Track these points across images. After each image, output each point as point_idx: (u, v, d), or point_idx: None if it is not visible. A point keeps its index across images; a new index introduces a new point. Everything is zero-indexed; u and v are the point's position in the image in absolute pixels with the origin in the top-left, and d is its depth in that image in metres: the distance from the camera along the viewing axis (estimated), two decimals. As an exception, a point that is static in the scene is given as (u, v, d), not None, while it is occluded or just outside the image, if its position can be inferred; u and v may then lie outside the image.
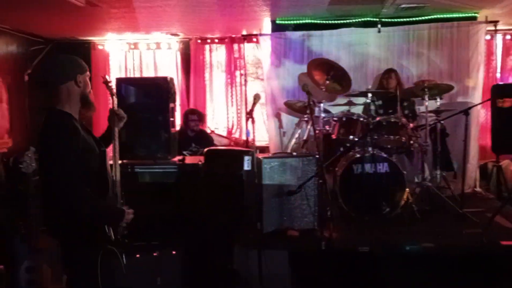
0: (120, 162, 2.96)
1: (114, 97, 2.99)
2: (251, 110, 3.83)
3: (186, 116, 6.45)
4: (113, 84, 3.09)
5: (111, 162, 2.84)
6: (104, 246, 2.62)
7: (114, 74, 7.56)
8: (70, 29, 6.99)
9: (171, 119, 4.54)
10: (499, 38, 6.99)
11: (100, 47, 7.65)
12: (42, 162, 2.63)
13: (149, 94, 4.54)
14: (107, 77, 3.07)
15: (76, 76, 2.66)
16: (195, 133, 6.27)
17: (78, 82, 2.66)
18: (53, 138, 2.55)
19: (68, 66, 2.68)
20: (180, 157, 4.60)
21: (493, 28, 6.45)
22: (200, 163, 4.46)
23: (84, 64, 2.77)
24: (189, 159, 4.70)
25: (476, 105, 5.77)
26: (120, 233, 2.72)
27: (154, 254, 3.85)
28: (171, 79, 4.68)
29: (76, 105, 2.69)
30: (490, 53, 6.88)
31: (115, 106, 2.97)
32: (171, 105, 4.57)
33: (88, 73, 2.76)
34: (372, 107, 5.22)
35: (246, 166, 4.06)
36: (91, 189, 2.58)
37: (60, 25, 6.64)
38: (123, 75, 7.50)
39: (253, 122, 3.76)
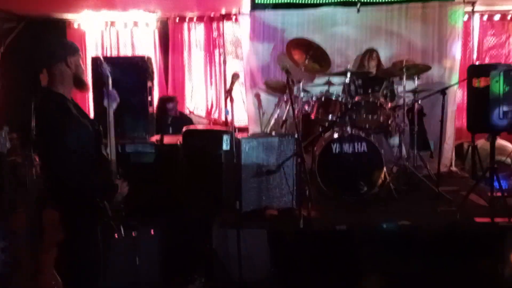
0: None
1: (108, 78, 3.06)
2: (230, 89, 3.80)
3: (162, 103, 6.34)
4: (105, 65, 3.12)
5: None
6: (102, 220, 2.79)
7: (91, 53, 7.40)
8: (44, 6, 6.78)
9: (149, 98, 4.49)
10: (476, 19, 7.04)
11: (75, 25, 7.46)
12: (38, 141, 2.76)
13: (126, 73, 4.45)
14: (101, 57, 3.17)
15: (66, 57, 2.79)
16: (172, 118, 6.19)
17: (69, 63, 2.79)
18: (46, 118, 2.69)
19: (58, 48, 2.82)
20: (157, 137, 4.55)
21: (470, 8, 6.47)
22: (179, 143, 4.43)
23: (75, 46, 2.90)
24: (168, 139, 4.65)
25: (453, 85, 5.84)
26: (117, 207, 2.86)
27: (133, 233, 3.83)
28: (149, 58, 4.63)
29: (69, 86, 2.84)
30: (467, 34, 6.92)
31: (110, 87, 3.06)
32: (149, 84, 4.52)
33: (79, 54, 2.88)
34: (352, 87, 5.23)
35: (225, 146, 4.06)
36: (90, 166, 2.76)
37: (34, 1, 6.44)
38: (100, 54, 7.36)
39: (231, 101, 3.73)
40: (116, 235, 2.94)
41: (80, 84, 2.88)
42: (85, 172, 2.72)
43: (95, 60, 4.39)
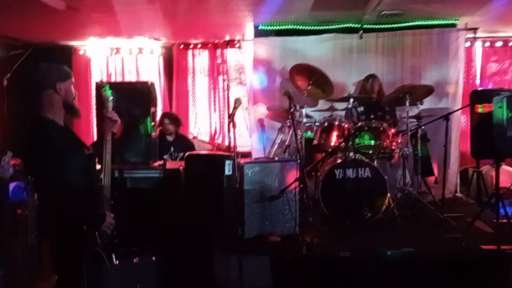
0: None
1: (108, 102, 3.04)
2: (232, 114, 3.82)
3: (160, 119, 6.31)
4: (106, 89, 3.13)
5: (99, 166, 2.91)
6: (89, 248, 2.71)
7: (96, 79, 7.49)
8: (50, 34, 6.90)
9: (152, 123, 4.50)
10: (478, 45, 7.09)
11: (81, 51, 7.57)
12: (28, 167, 2.80)
13: (130, 99, 4.49)
14: (101, 81, 3.15)
15: (55, 84, 2.73)
16: (174, 138, 6.18)
17: (58, 90, 2.73)
18: (36, 145, 2.65)
19: (47, 74, 2.76)
20: (160, 162, 4.55)
21: (472, 35, 6.52)
22: (181, 168, 4.42)
23: (67, 72, 2.84)
24: (170, 164, 4.65)
25: (456, 110, 5.83)
26: (107, 237, 2.80)
27: (134, 260, 3.78)
28: (152, 83, 4.65)
29: (59, 112, 2.78)
30: (469, 60, 6.96)
31: (109, 109, 3.03)
32: (152, 109, 4.54)
33: (71, 80, 2.83)
34: (354, 113, 5.24)
35: (227, 170, 4.04)
36: (78, 193, 2.70)
37: (40, 29, 6.56)
38: (104, 80, 7.43)
39: (234, 126, 3.74)
40: (107, 264, 2.85)
41: (70, 110, 2.82)
42: (71, 201, 2.66)
43: (98, 85, 4.43)
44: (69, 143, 2.77)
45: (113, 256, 2.87)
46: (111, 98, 3.07)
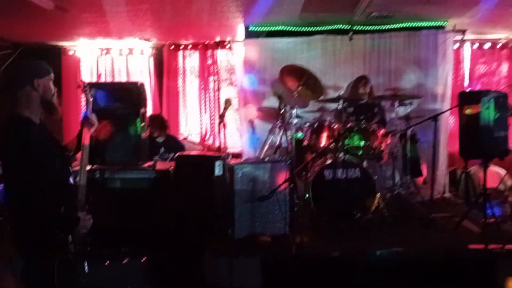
0: (89, 167, 2.93)
1: (90, 102, 2.98)
2: (223, 115, 3.83)
3: (148, 121, 6.24)
4: (88, 89, 3.06)
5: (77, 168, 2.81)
6: (60, 254, 2.59)
7: (86, 79, 7.45)
8: (39, 34, 6.87)
9: (142, 124, 4.49)
10: (467, 47, 7.16)
11: (71, 52, 7.53)
12: (2, 168, 2.62)
13: (119, 99, 4.48)
14: (84, 81, 3.09)
15: (33, 80, 2.64)
16: (164, 139, 6.17)
17: (36, 87, 2.65)
18: (9, 144, 2.56)
19: (25, 71, 2.68)
20: (150, 163, 4.54)
21: (461, 37, 6.58)
22: (171, 168, 4.42)
23: (46, 68, 2.75)
24: (160, 165, 4.65)
25: (444, 111, 5.89)
26: (80, 241, 2.68)
27: (123, 261, 3.78)
28: (142, 84, 4.64)
29: (36, 110, 2.68)
30: (458, 61, 7.03)
31: (89, 111, 2.97)
32: (142, 110, 4.53)
33: (50, 76, 2.73)
34: (344, 114, 5.26)
35: (218, 171, 4.05)
36: (50, 195, 2.58)
37: (29, 29, 6.52)
38: (94, 81, 7.40)
39: (224, 126, 3.75)
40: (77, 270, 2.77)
41: (49, 107, 2.73)
42: (43, 203, 2.56)
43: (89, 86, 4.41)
44: (44, 142, 2.67)
45: (85, 264, 2.76)
46: (91, 99, 3.03)
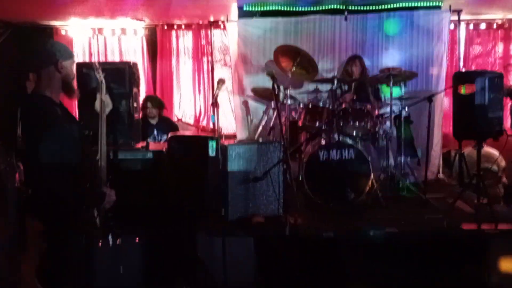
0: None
1: (102, 84, 3.08)
2: (216, 95, 3.79)
3: (143, 102, 6.19)
4: (100, 71, 3.17)
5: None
6: (88, 230, 2.74)
7: (78, 60, 7.31)
8: (31, 13, 6.76)
9: (134, 105, 4.44)
10: (462, 27, 7.10)
11: (63, 32, 7.44)
12: (26, 144, 2.70)
13: (111, 79, 4.41)
14: (95, 62, 3.14)
15: (57, 62, 2.73)
16: (158, 121, 6.13)
17: (59, 68, 2.74)
18: (34, 122, 2.64)
19: (49, 51, 2.76)
20: (143, 144, 4.51)
21: (456, 17, 6.53)
22: (164, 149, 4.39)
23: (69, 51, 2.85)
24: (153, 146, 4.61)
25: (439, 92, 5.87)
26: (104, 216, 2.83)
27: (117, 241, 3.77)
28: (135, 63, 4.58)
29: (57, 90, 2.78)
30: (453, 42, 6.98)
31: (103, 93, 3.07)
32: (134, 90, 4.47)
33: (72, 60, 2.84)
34: (338, 94, 5.23)
35: (211, 152, 4.02)
36: (75, 172, 2.68)
37: (21, 8, 6.40)
38: (87, 61, 7.31)
39: (217, 107, 3.71)
40: (101, 244, 2.90)
41: (68, 89, 2.83)
42: (70, 179, 2.65)
43: (81, 66, 4.34)
44: (66, 121, 2.76)
45: (110, 237, 2.97)
46: (103, 81, 3.08)
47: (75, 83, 2.86)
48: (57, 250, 2.77)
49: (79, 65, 4.32)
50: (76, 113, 4.65)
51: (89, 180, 2.81)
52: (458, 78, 4.57)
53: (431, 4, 6.39)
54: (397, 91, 5.38)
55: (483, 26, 7.21)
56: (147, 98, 6.20)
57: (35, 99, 2.72)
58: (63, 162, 2.62)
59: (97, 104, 3.07)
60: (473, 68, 7.10)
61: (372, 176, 4.93)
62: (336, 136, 4.97)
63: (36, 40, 6.88)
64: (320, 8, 6.41)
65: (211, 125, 7.22)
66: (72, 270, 2.80)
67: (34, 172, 2.71)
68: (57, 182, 2.62)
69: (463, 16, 6.61)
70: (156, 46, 7.48)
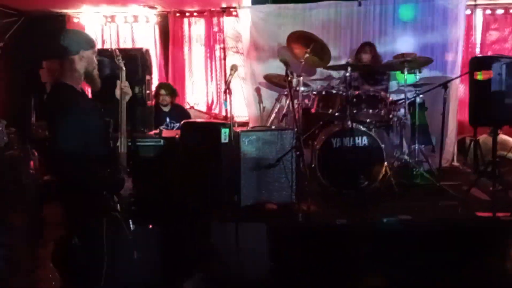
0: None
1: (123, 71, 3.12)
2: (228, 81, 3.78)
3: (156, 90, 6.20)
4: (120, 58, 3.21)
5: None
6: (108, 214, 2.77)
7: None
8: (44, 1, 6.76)
9: (147, 91, 4.45)
10: (479, 13, 6.97)
11: (75, 20, 7.43)
12: (49, 132, 2.76)
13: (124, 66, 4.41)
14: (116, 49, 3.21)
15: (79, 51, 2.77)
16: (170, 108, 6.13)
17: (81, 57, 2.77)
18: (57, 110, 2.68)
19: (72, 41, 2.79)
20: (156, 131, 4.52)
21: (473, 2, 6.41)
22: (177, 136, 4.39)
23: (91, 40, 2.90)
24: (166, 133, 4.62)
25: (455, 78, 5.79)
26: (126, 202, 2.89)
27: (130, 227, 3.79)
28: (147, 50, 4.59)
29: (79, 79, 2.82)
30: (469, 28, 6.86)
31: (123, 80, 3.11)
32: (147, 77, 4.48)
33: (94, 50, 2.87)
34: (351, 81, 5.18)
35: (223, 139, 4.01)
36: (97, 158, 2.74)
37: (33, -5, 6.43)
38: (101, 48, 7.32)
39: (230, 93, 3.70)
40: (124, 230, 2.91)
41: (90, 79, 2.88)
42: (91, 166, 2.70)
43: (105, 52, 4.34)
44: (89, 109, 2.82)
45: (130, 223, 2.94)
46: (123, 68, 3.11)
47: (96, 73, 2.89)
48: (78, 236, 2.80)
49: (104, 51, 4.35)
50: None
51: (110, 167, 2.86)
52: (475, 64, 4.51)
53: (447, -11, 6.27)
54: (411, 78, 5.32)
55: (500, 11, 7.05)
56: (160, 86, 6.20)
57: (58, 88, 2.76)
58: (85, 149, 2.65)
59: (117, 92, 3.09)
60: (490, 54, 6.98)
61: (385, 163, 4.90)
62: (349, 123, 4.93)
63: (57, 30, 6.90)
64: (333, -6, 6.34)
65: (223, 113, 7.20)
66: (93, 257, 2.82)
67: (56, 159, 2.75)
68: (79, 169, 2.66)
69: (479, 1, 6.50)
70: (168, 34, 7.44)
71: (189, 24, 7.50)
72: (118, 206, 2.82)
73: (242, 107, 7.08)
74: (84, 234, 2.80)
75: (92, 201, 2.73)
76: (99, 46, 7.37)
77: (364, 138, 4.88)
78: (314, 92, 5.43)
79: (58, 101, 2.72)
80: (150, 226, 3.86)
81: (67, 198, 2.79)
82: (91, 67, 2.84)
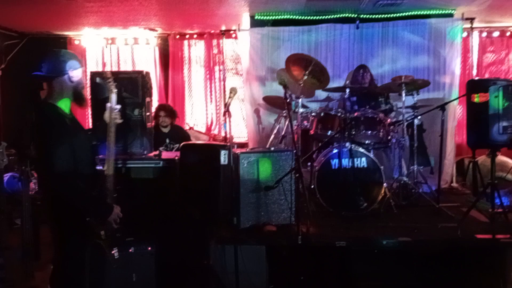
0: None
1: (113, 94, 3.09)
2: (228, 104, 3.80)
3: (156, 111, 6.23)
4: (111, 80, 3.17)
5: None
6: (93, 240, 2.75)
7: (91, 69, 7.44)
8: (45, 23, 6.86)
9: (147, 113, 4.47)
10: (475, 35, 7.07)
11: (76, 42, 7.53)
12: (38, 154, 2.75)
13: (124, 88, 4.44)
14: (109, 72, 3.21)
15: (68, 71, 2.78)
16: (170, 129, 6.16)
17: (70, 78, 2.79)
18: (45, 131, 2.68)
19: (61, 61, 2.79)
20: (156, 152, 4.53)
21: (469, 25, 6.50)
22: (176, 158, 4.40)
23: (79, 60, 2.89)
24: (166, 154, 4.63)
25: (452, 100, 5.83)
26: (110, 229, 2.83)
27: (130, 250, 3.78)
28: (147, 73, 4.60)
29: (68, 100, 2.82)
30: (466, 50, 6.95)
31: (113, 104, 3.07)
32: (147, 99, 4.50)
33: (82, 69, 2.89)
34: (348, 103, 5.22)
35: (223, 160, 4.01)
36: (81, 181, 2.71)
37: (35, 19, 6.51)
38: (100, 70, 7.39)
39: (229, 115, 3.72)
40: (107, 256, 2.87)
41: (79, 99, 2.86)
42: (76, 187, 2.69)
43: (95, 75, 4.38)
44: (76, 131, 2.82)
45: (115, 250, 2.90)
46: (115, 90, 3.08)
47: (85, 92, 2.91)
48: (63, 259, 2.82)
49: (93, 74, 4.38)
50: (89, 122, 4.68)
51: (96, 189, 2.84)
52: (472, 86, 4.54)
53: (443, 12, 6.38)
54: (409, 100, 5.36)
55: (496, 34, 7.15)
56: (159, 107, 6.23)
57: (45, 108, 2.76)
58: (70, 168, 2.65)
59: (106, 114, 3.07)
60: (487, 76, 7.05)
61: (384, 184, 4.90)
62: (348, 144, 4.95)
63: (47, 50, 6.97)
64: (332, 17, 6.43)
65: (222, 134, 7.24)
66: (81, 278, 2.81)
67: (42, 179, 2.80)
68: (64, 189, 2.66)
69: (476, 24, 6.60)
70: (168, 55, 7.53)
71: (189, 46, 7.61)
72: (103, 233, 2.78)
73: (241, 128, 7.12)
74: (67, 259, 2.80)
75: (76, 226, 2.71)
76: (99, 68, 7.46)
77: (363, 159, 4.89)
78: (313, 114, 5.47)
79: (44, 122, 2.71)
80: (149, 248, 3.86)
81: (53, 218, 2.79)
82: (80, 87, 2.85)
